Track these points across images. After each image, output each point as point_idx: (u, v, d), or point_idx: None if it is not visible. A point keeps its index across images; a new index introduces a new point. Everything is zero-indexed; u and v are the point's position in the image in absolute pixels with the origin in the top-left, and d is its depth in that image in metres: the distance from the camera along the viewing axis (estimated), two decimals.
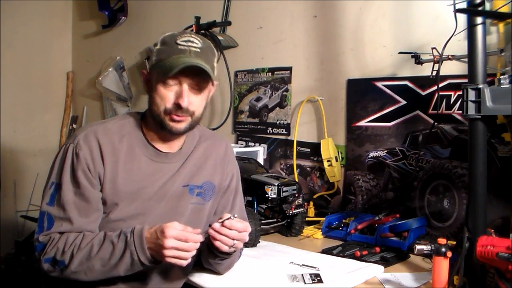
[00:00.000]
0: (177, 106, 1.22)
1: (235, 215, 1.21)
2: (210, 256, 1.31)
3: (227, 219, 1.19)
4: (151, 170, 1.30)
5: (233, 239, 1.20)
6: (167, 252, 1.12)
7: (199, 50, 1.24)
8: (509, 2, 1.44)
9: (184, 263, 1.14)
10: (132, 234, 1.16)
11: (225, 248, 1.21)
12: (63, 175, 1.23)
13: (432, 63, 1.67)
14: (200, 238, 1.16)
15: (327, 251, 1.61)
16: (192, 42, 1.24)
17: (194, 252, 1.15)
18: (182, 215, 1.30)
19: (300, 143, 2.26)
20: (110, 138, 1.27)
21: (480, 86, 1.23)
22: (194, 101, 1.25)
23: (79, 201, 1.22)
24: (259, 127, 2.44)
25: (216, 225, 1.19)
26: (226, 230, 1.19)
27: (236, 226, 1.20)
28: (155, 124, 1.28)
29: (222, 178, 1.41)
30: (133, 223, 1.23)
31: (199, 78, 1.24)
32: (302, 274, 1.36)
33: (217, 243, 1.20)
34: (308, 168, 2.25)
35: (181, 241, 1.12)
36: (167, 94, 1.23)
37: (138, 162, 1.29)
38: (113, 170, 1.25)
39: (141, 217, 1.26)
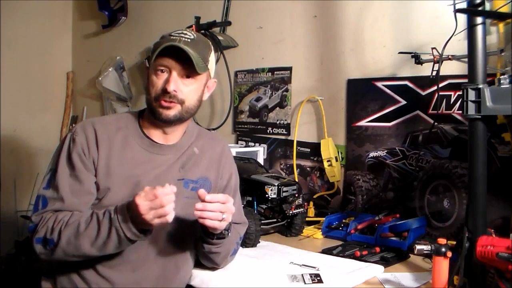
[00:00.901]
0: (164, 91, 1.27)
1: None
2: (205, 246, 1.31)
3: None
4: (144, 159, 1.33)
5: (220, 212, 1.20)
6: (147, 217, 1.12)
7: (189, 40, 1.27)
8: (509, 2, 1.44)
9: (169, 218, 1.13)
10: (116, 211, 1.18)
11: (216, 224, 1.21)
12: (59, 160, 1.28)
13: (432, 63, 1.67)
14: (170, 187, 1.14)
15: (327, 251, 1.61)
16: (185, 34, 1.28)
17: (172, 205, 1.13)
18: (175, 208, 1.30)
19: (300, 143, 2.26)
20: (106, 128, 1.33)
21: (480, 86, 1.23)
22: (184, 89, 1.29)
23: (73, 182, 1.26)
24: (259, 127, 2.44)
25: (198, 205, 1.19)
26: (209, 205, 1.19)
27: (217, 198, 1.21)
28: (150, 114, 1.33)
29: (217, 176, 1.43)
30: None
31: (187, 65, 1.26)
32: (302, 274, 1.36)
33: (207, 222, 1.20)
34: (308, 168, 2.25)
35: (152, 200, 1.12)
36: (157, 81, 1.28)
37: (132, 151, 1.32)
38: (107, 156, 1.29)
39: None
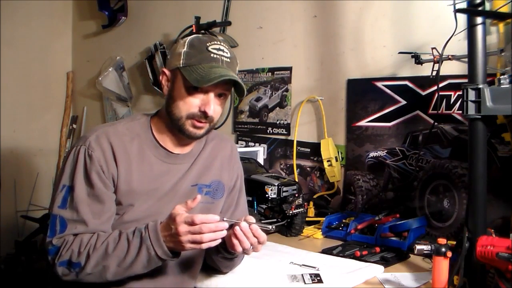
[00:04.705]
0: (203, 114, 1.23)
1: (274, 227, 1.20)
2: (214, 253, 1.31)
3: (260, 226, 1.17)
4: (162, 171, 1.30)
5: (251, 245, 1.17)
6: (183, 238, 1.09)
7: (229, 60, 1.24)
8: (509, 2, 1.44)
9: (204, 245, 1.10)
10: (147, 229, 1.15)
11: (239, 249, 1.18)
12: (75, 177, 1.22)
13: (432, 63, 1.67)
14: (212, 217, 1.10)
15: (327, 251, 1.61)
16: (223, 51, 1.24)
17: (210, 235, 1.09)
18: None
19: (300, 143, 2.26)
20: (121, 139, 1.27)
21: (480, 86, 1.23)
22: (216, 109, 1.26)
23: (92, 202, 1.21)
24: (259, 127, 2.44)
25: (245, 225, 1.16)
26: (250, 233, 1.17)
27: (260, 235, 1.18)
28: (172, 126, 1.28)
29: (229, 177, 1.42)
30: (146, 223, 1.22)
31: (226, 87, 1.24)
32: (302, 274, 1.36)
33: (235, 242, 1.17)
34: (308, 168, 2.25)
35: (191, 225, 1.09)
36: (193, 101, 1.23)
37: (150, 163, 1.29)
38: (127, 171, 1.25)
39: (154, 217, 1.24)
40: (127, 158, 1.26)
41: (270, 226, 1.18)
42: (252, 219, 1.19)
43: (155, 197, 1.28)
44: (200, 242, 1.09)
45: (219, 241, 1.12)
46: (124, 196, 1.25)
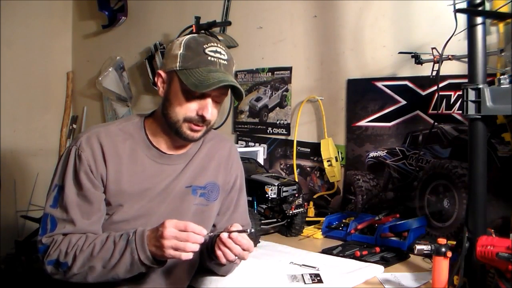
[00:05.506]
0: (201, 118, 1.22)
1: (253, 230, 1.19)
2: (208, 259, 1.31)
3: (238, 231, 1.16)
4: (154, 172, 1.29)
5: (235, 255, 1.17)
6: (166, 242, 1.08)
7: (226, 62, 1.23)
8: (509, 2, 1.44)
9: (184, 255, 1.09)
10: (134, 233, 1.15)
11: (223, 261, 1.18)
12: (65, 177, 1.23)
13: (432, 63, 1.67)
14: (201, 230, 1.11)
15: (327, 251, 1.61)
16: (220, 53, 1.22)
17: (194, 246, 1.10)
18: (185, 216, 1.28)
19: (300, 143, 2.26)
20: (113, 140, 1.26)
21: (480, 86, 1.24)
22: (213, 112, 1.25)
23: (81, 202, 1.22)
24: (259, 127, 2.44)
25: (224, 235, 1.16)
26: (231, 243, 1.15)
27: (241, 243, 1.16)
28: (168, 128, 1.27)
29: (226, 179, 1.40)
30: (136, 224, 1.23)
31: (223, 91, 1.23)
32: (302, 274, 1.36)
33: (219, 253, 1.17)
34: (308, 168, 2.25)
35: (180, 231, 1.09)
36: (190, 105, 1.22)
37: (142, 164, 1.28)
38: (116, 172, 1.24)
39: (145, 218, 1.26)
40: (118, 158, 1.25)
41: (248, 229, 1.17)
42: (236, 226, 1.18)
43: (147, 197, 1.27)
44: (183, 251, 1.09)
45: (192, 254, 1.11)
46: (113, 196, 1.25)
